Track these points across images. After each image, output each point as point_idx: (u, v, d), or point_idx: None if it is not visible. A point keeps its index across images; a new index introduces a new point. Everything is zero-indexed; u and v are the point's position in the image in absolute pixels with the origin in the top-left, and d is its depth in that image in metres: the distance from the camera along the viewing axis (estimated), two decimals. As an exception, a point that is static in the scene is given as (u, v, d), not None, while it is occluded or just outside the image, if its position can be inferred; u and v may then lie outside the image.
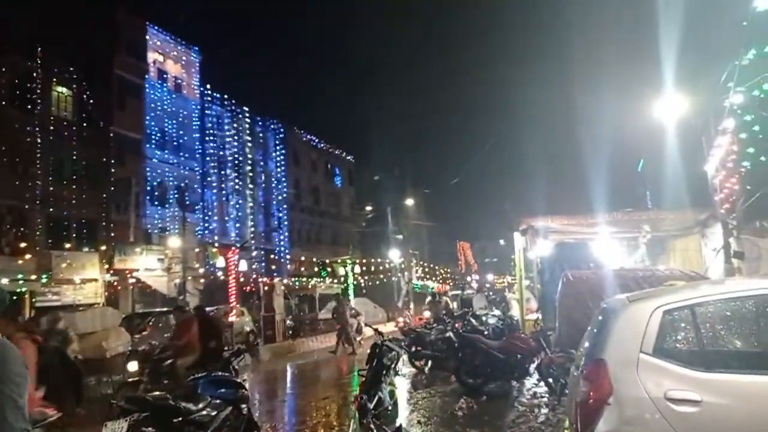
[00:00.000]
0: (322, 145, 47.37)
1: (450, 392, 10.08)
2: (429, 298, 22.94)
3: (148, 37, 30.86)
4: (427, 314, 21.02)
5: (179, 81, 33.19)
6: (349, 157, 51.15)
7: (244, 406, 6.26)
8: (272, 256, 37.21)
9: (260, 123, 39.30)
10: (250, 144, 37.46)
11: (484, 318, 14.13)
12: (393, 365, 9.19)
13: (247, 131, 37.46)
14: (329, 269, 35.09)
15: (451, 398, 9.57)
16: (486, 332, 11.91)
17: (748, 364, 3.89)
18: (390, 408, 6.74)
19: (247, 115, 37.52)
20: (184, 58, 33.66)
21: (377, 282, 33.60)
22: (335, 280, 33.20)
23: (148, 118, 29.75)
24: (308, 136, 45.73)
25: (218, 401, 5.92)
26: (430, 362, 13.11)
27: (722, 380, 3.41)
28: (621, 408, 3.49)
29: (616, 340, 3.77)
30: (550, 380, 9.08)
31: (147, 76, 30.20)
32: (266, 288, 21.46)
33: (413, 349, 12.76)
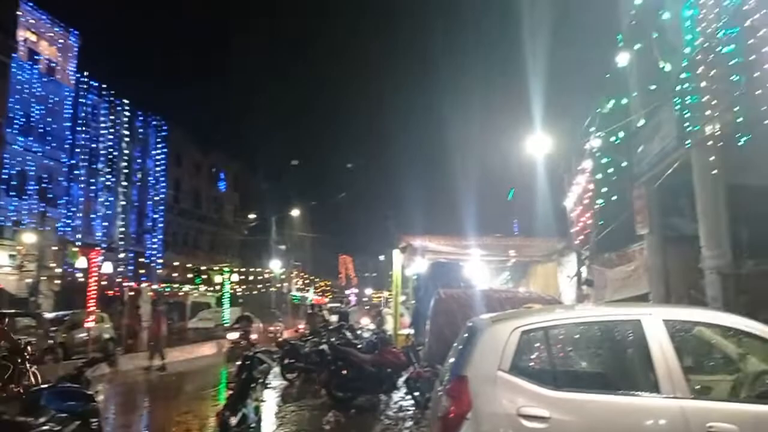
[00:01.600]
0: (207, 147, 45.46)
1: (319, 406, 10.04)
2: (308, 310, 22.78)
3: (19, 13, 27.88)
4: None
5: (53, 64, 30.30)
6: (236, 162, 49.56)
7: (94, 420, 5.75)
8: (143, 259, 34.82)
9: (141, 118, 36.89)
10: (128, 139, 34.96)
11: (359, 331, 14.28)
12: (263, 378, 8.99)
13: (126, 125, 34.95)
14: (204, 276, 33.48)
15: (319, 412, 9.53)
16: (360, 345, 12.03)
17: (593, 383, 4.26)
18: (254, 425, 6.49)
19: (127, 108, 35.05)
20: (60, 40, 30.79)
21: (254, 292, 32.62)
22: (210, 288, 31.74)
23: (12, 100, 26.77)
24: (193, 137, 43.71)
25: (64, 415, 5.38)
26: (302, 375, 12.98)
27: (569, 398, 3.66)
28: (478, 423, 3.64)
29: (478, 358, 3.95)
30: (417, 394, 9.37)
31: (14, 55, 27.21)
32: (131, 293, 19.99)
33: (286, 361, 12.56)
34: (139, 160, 36.57)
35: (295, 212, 46.66)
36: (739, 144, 7.58)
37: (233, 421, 6.11)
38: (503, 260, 17.43)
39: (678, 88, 8.52)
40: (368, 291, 57.97)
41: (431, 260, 15.84)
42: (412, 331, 14.83)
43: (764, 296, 6.96)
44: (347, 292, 47.87)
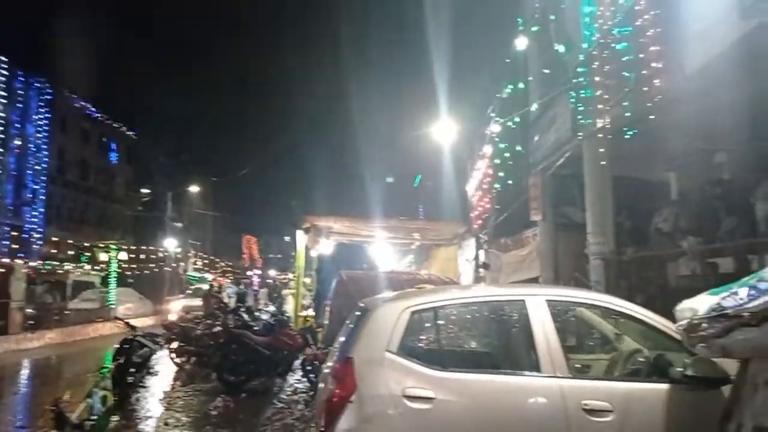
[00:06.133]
0: (98, 114, 42.02)
1: (209, 390, 9.59)
2: (203, 290, 21.84)
3: None
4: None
5: None
6: (130, 132, 46.27)
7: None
8: (19, 233, 31.69)
9: (21, 78, 33.32)
10: (4, 101, 31.46)
11: (257, 313, 13.82)
12: (145, 362, 8.42)
13: (3, 85, 31.42)
14: (90, 254, 31.06)
15: (208, 397, 9.10)
16: (257, 328, 11.64)
17: (478, 363, 4.29)
18: (98, 417, 5.73)
19: (5, 66, 31.47)
20: None
21: (146, 272, 30.73)
22: (96, 267, 29.49)
23: None
24: (82, 103, 40.17)
25: None
26: (193, 359, 12.37)
27: (454, 378, 3.63)
28: (362, 406, 3.53)
29: (365, 339, 3.83)
30: (312, 376, 9.19)
31: None
32: (2, 270, 18.08)
33: (175, 344, 11.89)
34: (17, 125, 33.10)
35: (195, 188, 44.38)
36: (626, 137, 8.01)
37: (74, 415, 5.41)
38: (408, 243, 17.61)
39: (574, 81, 8.85)
40: (272, 272, 56.86)
41: (336, 242, 15.65)
42: (312, 312, 14.64)
43: (641, 281, 7.43)
44: (249, 273, 46.59)
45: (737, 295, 2.85)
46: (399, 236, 16.32)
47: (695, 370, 3.34)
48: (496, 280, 12.17)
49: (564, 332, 3.85)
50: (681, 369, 3.44)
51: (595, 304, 4.11)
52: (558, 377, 3.54)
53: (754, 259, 5.38)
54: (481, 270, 12.71)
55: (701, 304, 3.06)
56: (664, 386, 3.48)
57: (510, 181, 11.23)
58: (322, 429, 3.72)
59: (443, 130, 14.96)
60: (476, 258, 13.00)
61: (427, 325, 4.20)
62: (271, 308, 16.35)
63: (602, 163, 8.49)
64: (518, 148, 10.99)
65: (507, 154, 11.18)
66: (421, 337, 4.26)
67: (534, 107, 10.38)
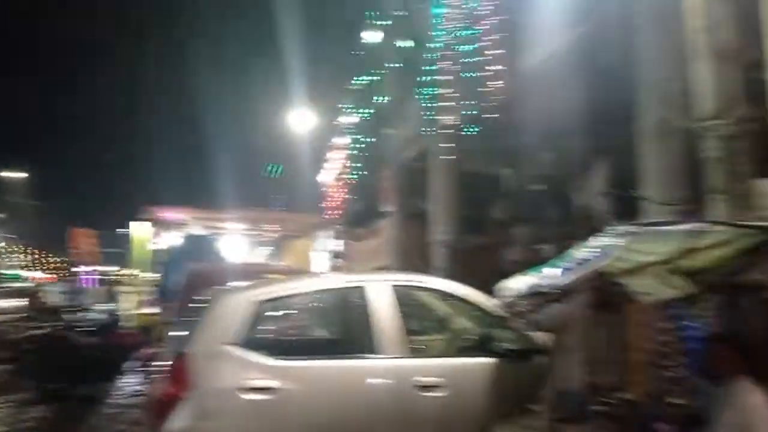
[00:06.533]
0: None
1: (27, 400, 8.51)
2: (22, 289, 19.47)
3: None
4: None
5: None
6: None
7: None
8: None
9: None
10: None
11: (88, 313, 12.67)
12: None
13: None
14: None
15: (25, 408, 8.08)
16: (92, 328, 10.69)
17: (322, 350, 4.30)
18: None
19: None
20: None
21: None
22: None
23: None
24: None
25: None
26: (12, 366, 10.93)
27: (297, 366, 3.63)
28: (198, 402, 3.39)
29: (205, 333, 3.70)
30: (151, 375, 8.59)
31: None
32: None
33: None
34: None
35: (16, 175, 39.00)
36: (469, 134, 8.55)
37: None
38: (264, 234, 17.27)
39: (421, 79, 9.23)
40: (111, 268, 52.30)
41: (185, 234, 14.85)
42: (157, 310, 13.75)
43: (478, 265, 8.00)
44: (80, 269, 42.35)
45: (549, 275, 3.16)
46: (255, 227, 15.93)
47: (515, 345, 3.68)
48: (351, 269, 12.38)
49: (405, 315, 3.98)
50: (504, 344, 3.76)
51: (433, 288, 4.32)
52: (393, 357, 3.67)
53: (570, 244, 6.02)
54: (336, 259, 12.88)
55: (519, 283, 3.36)
56: (490, 360, 3.75)
57: (364, 173, 11.47)
58: (155, 429, 3.50)
59: (298, 121, 14.88)
60: (332, 248, 13.14)
61: (274, 314, 4.11)
62: (107, 306, 15.07)
63: (448, 157, 8.98)
64: (371, 140, 11.24)
65: (361, 146, 11.40)
66: (266, 327, 4.17)
67: (387, 100, 10.69)
